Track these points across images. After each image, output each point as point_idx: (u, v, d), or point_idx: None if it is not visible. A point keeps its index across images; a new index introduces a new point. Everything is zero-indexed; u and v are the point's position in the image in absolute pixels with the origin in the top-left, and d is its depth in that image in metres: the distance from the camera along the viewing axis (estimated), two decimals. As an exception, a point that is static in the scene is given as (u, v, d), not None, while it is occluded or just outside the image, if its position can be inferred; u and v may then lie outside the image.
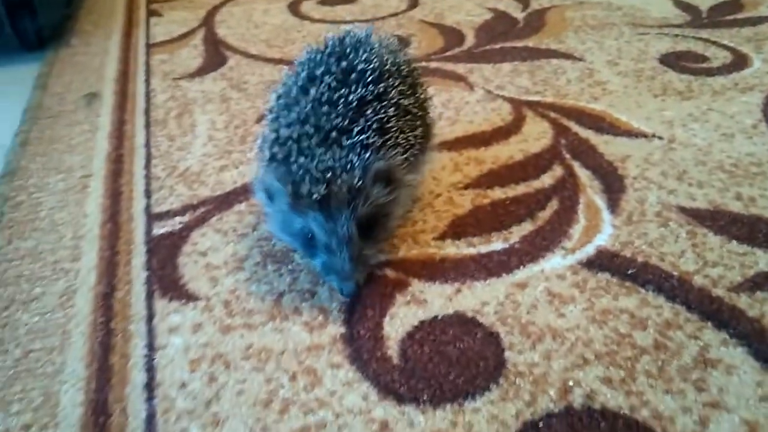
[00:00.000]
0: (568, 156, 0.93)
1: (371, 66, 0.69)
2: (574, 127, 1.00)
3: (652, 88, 1.12)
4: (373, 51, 0.72)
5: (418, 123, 0.73)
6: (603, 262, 0.72)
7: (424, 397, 0.57)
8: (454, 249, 0.75)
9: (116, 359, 0.62)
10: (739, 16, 1.43)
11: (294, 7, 1.62)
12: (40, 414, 0.57)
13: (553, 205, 0.83)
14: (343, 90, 0.67)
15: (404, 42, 1.35)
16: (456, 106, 1.08)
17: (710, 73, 1.17)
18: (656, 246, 0.75)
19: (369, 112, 0.66)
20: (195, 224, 0.81)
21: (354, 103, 0.66)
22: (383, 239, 0.71)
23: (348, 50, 0.71)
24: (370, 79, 0.68)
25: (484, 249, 0.75)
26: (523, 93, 1.12)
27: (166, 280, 0.72)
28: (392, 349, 0.62)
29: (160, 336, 0.64)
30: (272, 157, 0.66)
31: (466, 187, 0.87)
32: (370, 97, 0.67)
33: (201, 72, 1.26)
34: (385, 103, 0.68)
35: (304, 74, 0.70)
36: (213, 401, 0.57)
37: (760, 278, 0.69)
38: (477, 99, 1.11)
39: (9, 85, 1.27)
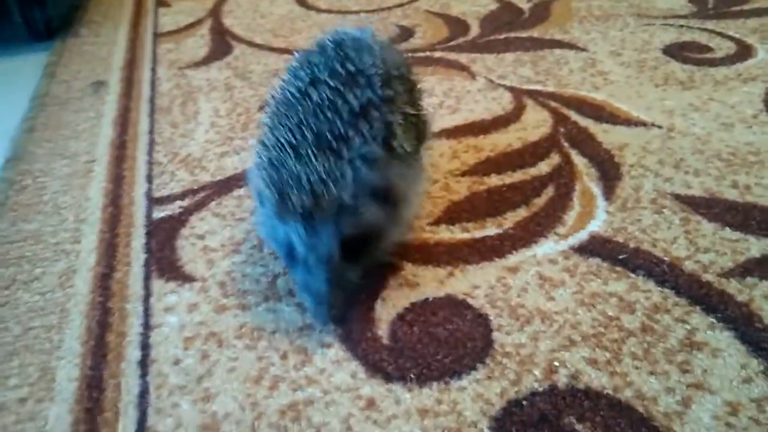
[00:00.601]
0: (566, 144, 0.93)
1: (379, 70, 0.65)
2: (574, 116, 1.01)
3: (654, 78, 1.12)
4: (377, 53, 0.68)
5: (419, 128, 0.70)
6: (595, 247, 0.73)
7: (411, 376, 0.58)
8: (448, 234, 0.76)
9: (112, 337, 0.64)
10: (746, 7, 1.42)
11: (300, -2, 1.63)
12: (36, 388, 0.59)
13: (549, 192, 0.83)
14: (349, 93, 0.62)
15: (408, 33, 1.35)
16: (457, 95, 1.09)
17: (713, 63, 1.17)
18: (649, 232, 0.75)
19: (375, 116, 0.62)
20: (194, 208, 0.83)
21: (358, 109, 0.61)
22: (373, 262, 0.66)
23: (351, 52, 0.67)
24: (378, 83, 0.64)
25: (478, 234, 0.76)
26: (524, 82, 1.13)
27: (163, 262, 0.73)
28: (382, 330, 0.63)
29: (156, 315, 0.66)
30: (269, 162, 0.61)
31: (463, 174, 0.88)
32: (378, 101, 0.63)
33: (206, 61, 1.28)
34: (393, 108, 0.64)
35: (307, 77, 0.65)
36: (205, 377, 0.59)
37: (751, 264, 0.70)
38: (478, 88, 1.11)
39: (18, 74, 1.29)
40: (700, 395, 0.56)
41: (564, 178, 0.86)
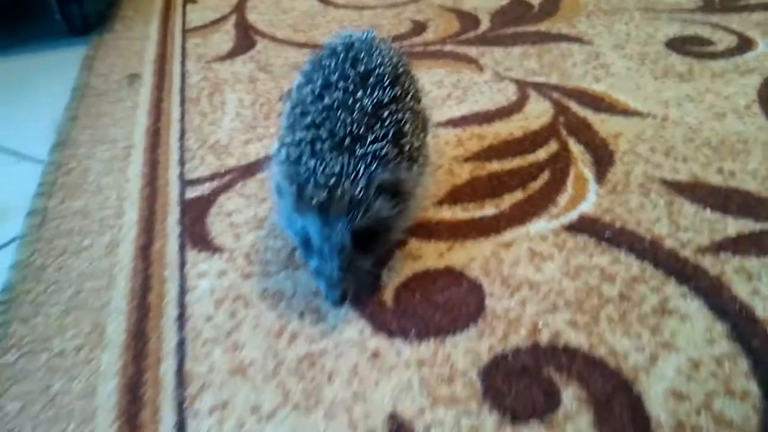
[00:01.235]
0: (564, 132, 1.00)
1: (387, 69, 0.70)
2: (574, 107, 1.07)
3: (654, 71, 1.18)
4: (385, 54, 0.73)
5: (423, 125, 0.75)
6: (583, 226, 0.80)
7: (412, 333, 0.66)
8: (449, 213, 0.84)
9: (153, 298, 0.73)
10: (752, 1, 1.47)
11: (321, -6, 1.71)
12: (90, 339, 0.68)
13: (545, 176, 0.91)
14: (359, 94, 0.67)
15: (420, 27, 1.43)
16: (464, 87, 1.16)
17: (713, 56, 1.22)
18: (635, 213, 0.82)
19: (386, 116, 0.66)
20: (222, 189, 0.91)
21: (370, 108, 0.66)
22: (381, 251, 0.71)
23: (361, 55, 0.72)
24: (387, 83, 0.68)
25: (477, 214, 0.84)
26: (529, 75, 1.20)
27: (196, 236, 0.82)
28: (387, 296, 0.71)
29: (191, 280, 0.75)
30: (286, 157, 0.66)
31: (466, 160, 0.95)
32: (387, 100, 0.67)
33: (231, 55, 1.36)
34: (401, 106, 0.68)
35: (321, 80, 0.70)
36: (233, 331, 0.68)
37: (727, 242, 0.76)
38: (485, 80, 1.18)
39: (59, 66, 1.39)
40: (667, 353, 0.63)
41: (560, 163, 0.93)
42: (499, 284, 0.72)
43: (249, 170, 0.95)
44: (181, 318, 0.70)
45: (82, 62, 1.37)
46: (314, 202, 0.62)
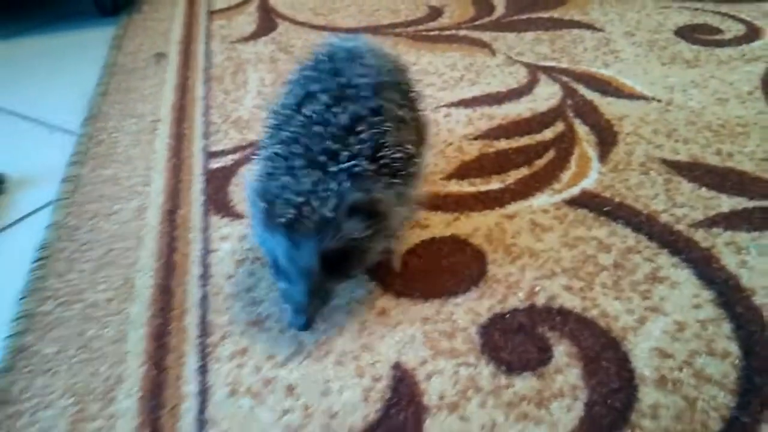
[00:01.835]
0: (571, 114, 1.04)
1: (366, 80, 0.67)
2: (582, 90, 1.11)
3: (662, 57, 1.21)
4: (368, 63, 0.70)
5: (414, 132, 0.71)
6: (584, 200, 0.85)
7: (417, 294, 0.71)
8: (457, 187, 0.89)
9: (179, 257, 0.79)
10: (763, -9, 1.49)
11: (341, -21, 1.75)
12: (120, 292, 0.74)
13: (550, 154, 0.95)
14: (337, 108, 0.63)
15: (437, 13, 1.47)
16: (477, 70, 1.21)
17: (720, 44, 1.26)
18: (634, 190, 0.86)
19: (362, 129, 0.62)
20: (243, 161, 0.97)
21: (347, 123, 0.62)
22: (355, 273, 0.68)
23: (342, 65, 0.69)
24: (365, 93, 0.65)
25: (483, 188, 0.88)
26: (540, 59, 1.23)
27: (218, 203, 0.88)
28: (396, 261, 0.76)
29: (213, 242, 0.81)
30: (265, 172, 0.64)
31: (475, 138, 1.00)
32: (365, 113, 0.64)
33: (254, 36, 1.42)
34: (382, 117, 0.64)
35: (301, 92, 0.67)
36: (252, 289, 0.73)
37: (719, 218, 0.80)
38: (497, 64, 1.23)
39: (89, 45, 1.45)
40: (655, 316, 0.67)
41: (565, 143, 0.97)
42: (501, 252, 0.77)
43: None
44: (204, 276, 0.75)
45: (111, 41, 1.43)
46: (282, 221, 0.58)
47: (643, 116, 1.03)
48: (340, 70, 0.68)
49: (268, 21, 1.49)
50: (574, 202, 0.85)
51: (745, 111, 1.02)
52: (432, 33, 1.37)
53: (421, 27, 1.42)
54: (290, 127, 0.64)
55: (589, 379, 0.61)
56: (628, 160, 0.92)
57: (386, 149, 0.63)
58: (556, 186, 0.88)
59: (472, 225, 0.82)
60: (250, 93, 1.17)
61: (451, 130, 1.02)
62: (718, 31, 1.31)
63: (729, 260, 0.73)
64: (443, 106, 1.09)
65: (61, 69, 1.37)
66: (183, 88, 1.20)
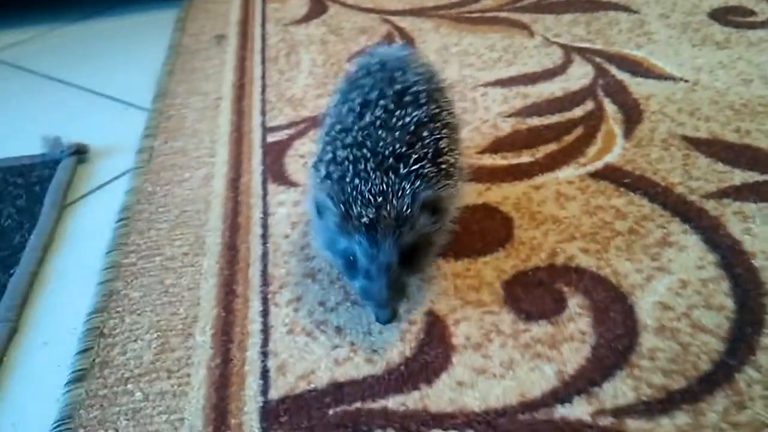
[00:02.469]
0: (601, 93, 1.12)
1: (423, 87, 0.72)
2: (613, 71, 1.18)
3: (693, 39, 1.26)
4: (418, 71, 0.75)
5: (456, 139, 0.76)
6: (607, 173, 0.93)
7: (450, 254, 0.81)
8: (490, 160, 0.98)
9: (242, 219, 0.90)
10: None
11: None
12: (193, 247, 0.86)
13: (578, 131, 1.03)
14: (399, 112, 0.68)
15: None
16: (515, 51, 1.28)
17: (753, 26, 1.30)
18: (654, 164, 0.93)
19: (425, 134, 0.67)
20: (297, 136, 1.07)
21: (411, 127, 0.67)
22: (424, 267, 0.72)
23: (397, 73, 0.74)
24: (423, 100, 0.70)
25: (514, 161, 0.97)
26: (576, 40, 1.30)
27: (275, 172, 0.99)
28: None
29: (272, 207, 0.92)
30: (327, 175, 0.67)
31: (509, 116, 1.08)
32: (426, 119, 0.68)
33: (306, 19, 1.52)
34: (438, 123, 0.70)
35: (360, 99, 0.71)
36: (306, 247, 0.84)
37: (731, 190, 0.87)
38: (534, 45, 1.30)
39: (154, 27, 1.57)
40: (662, 275, 0.76)
41: (594, 121, 1.05)
42: (527, 218, 0.86)
43: (320, 120, 1.11)
44: (264, 235, 0.87)
45: (175, 23, 1.55)
46: (362, 221, 0.62)
47: (670, 96, 1.09)
48: (394, 78, 0.73)
49: (319, 4, 1.59)
50: (597, 175, 0.92)
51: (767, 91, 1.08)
52: (474, 15, 1.45)
53: (464, 9, 1.49)
54: (354, 131, 0.68)
55: (598, 326, 0.70)
56: (651, 136, 0.99)
57: (443, 153, 0.68)
58: (582, 160, 0.96)
59: (502, 194, 0.90)
60: (302, 73, 1.27)
61: (487, 108, 1.10)
62: (752, 13, 1.35)
63: (735, 228, 0.81)
64: (480, 85, 1.17)
65: (130, 49, 1.50)
66: (242, 68, 1.31)
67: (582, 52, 1.25)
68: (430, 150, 0.67)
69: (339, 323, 0.73)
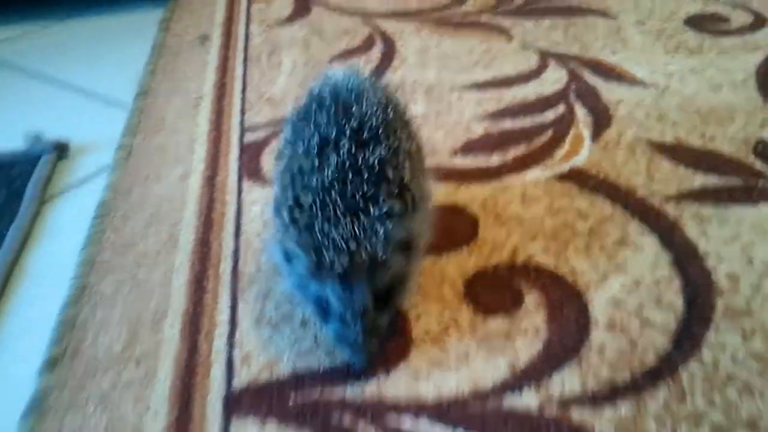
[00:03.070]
0: (573, 97, 1.14)
1: (381, 119, 0.69)
2: (587, 76, 1.21)
3: (667, 46, 1.29)
4: (374, 101, 0.71)
5: (421, 165, 0.76)
6: (572, 176, 0.95)
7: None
8: (461, 162, 1.00)
9: (216, 216, 0.92)
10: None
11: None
12: (167, 244, 0.88)
13: (548, 134, 1.05)
14: (363, 152, 0.65)
15: (460, 0, 1.56)
16: (492, 55, 1.31)
17: (726, 33, 1.33)
18: (618, 167, 0.96)
19: (390, 171, 0.65)
20: (274, 135, 1.10)
21: (376, 166, 0.65)
22: (401, 305, 0.72)
23: (351, 105, 0.70)
24: (383, 134, 0.68)
25: (483, 163, 1.00)
26: (553, 45, 1.33)
27: (251, 170, 1.01)
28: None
29: (245, 205, 0.94)
30: (293, 221, 0.64)
31: (483, 119, 1.11)
32: (388, 155, 0.66)
33: (289, 20, 1.54)
34: (400, 156, 0.68)
35: (315, 139, 0.68)
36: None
37: (691, 193, 0.90)
38: (512, 49, 1.33)
39: (139, 27, 1.59)
40: (617, 274, 0.78)
41: (564, 124, 1.07)
42: (492, 218, 0.88)
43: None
44: (237, 232, 0.89)
45: (159, 24, 1.57)
46: (335, 268, 0.61)
47: (639, 101, 1.12)
48: (349, 112, 0.69)
49: (302, 6, 1.61)
50: (563, 177, 0.95)
51: (735, 98, 1.11)
52: (454, 19, 1.48)
53: (446, 12, 1.52)
54: (317, 174, 0.65)
55: (551, 322, 0.73)
56: (617, 140, 1.02)
57: (409, 187, 0.67)
58: (549, 162, 0.98)
59: (471, 195, 0.93)
60: (283, 74, 1.30)
61: (461, 111, 1.13)
62: (726, 20, 1.38)
63: (691, 230, 0.84)
64: (456, 88, 1.20)
65: (115, 49, 1.52)
66: (224, 68, 1.33)
67: (557, 57, 1.28)
68: (396, 186, 0.65)
69: (304, 317, 0.76)
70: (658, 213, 0.87)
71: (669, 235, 0.83)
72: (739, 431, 0.61)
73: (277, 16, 1.57)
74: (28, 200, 0.98)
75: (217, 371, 0.70)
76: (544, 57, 1.28)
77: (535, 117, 1.10)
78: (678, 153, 0.98)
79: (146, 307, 0.79)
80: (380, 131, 0.68)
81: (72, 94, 1.33)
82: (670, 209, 0.87)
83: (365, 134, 0.67)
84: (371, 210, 0.62)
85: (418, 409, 0.64)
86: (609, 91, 1.15)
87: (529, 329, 0.72)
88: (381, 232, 0.61)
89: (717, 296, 0.75)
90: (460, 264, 0.81)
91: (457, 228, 0.87)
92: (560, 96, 1.15)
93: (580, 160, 0.99)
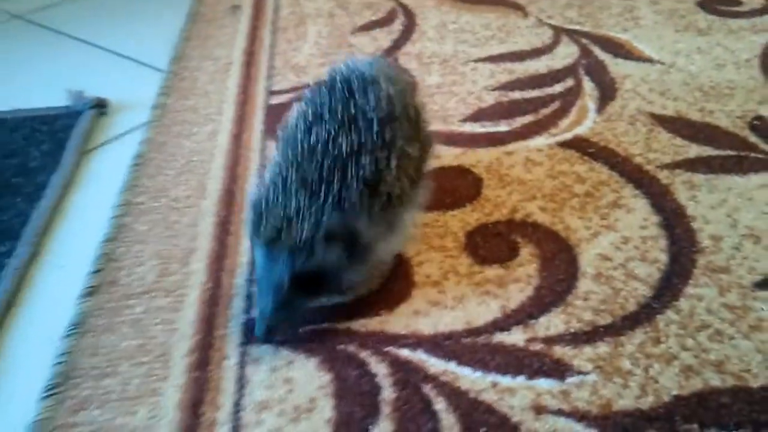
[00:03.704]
0: (582, 72, 1.20)
1: (377, 112, 0.68)
2: (597, 51, 1.26)
3: (677, 25, 1.34)
4: (380, 94, 0.71)
5: (415, 165, 0.74)
6: (574, 143, 1.01)
7: (423, 206, 0.90)
8: (470, 128, 1.07)
9: (240, 169, 1.00)
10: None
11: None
12: (196, 191, 0.96)
13: (555, 105, 1.11)
14: (340, 138, 0.65)
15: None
16: (508, 30, 1.36)
17: (736, 15, 1.37)
18: (618, 137, 1.02)
19: (365, 161, 0.65)
20: (298, 99, 1.16)
21: (347, 152, 0.65)
22: (324, 298, 0.72)
23: (357, 92, 0.70)
24: (376, 126, 0.67)
25: (491, 129, 1.06)
26: (567, 22, 1.38)
27: (274, 131, 1.08)
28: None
29: (267, 159, 1.02)
30: (262, 186, 0.68)
31: (494, 89, 1.17)
32: (370, 145, 0.66)
33: (317, -8, 1.61)
34: (390, 151, 0.67)
35: (312, 115, 0.69)
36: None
37: (684, 162, 0.96)
38: (527, 25, 1.38)
39: (175, -4, 1.67)
40: (607, 231, 0.85)
41: (571, 96, 1.13)
42: (495, 180, 0.95)
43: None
44: (260, 183, 0.97)
45: (193, -7, 1.65)
46: (263, 234, 0.63)
47: (645, 76, 1.17)
48: (353, 98, 0.70)
49: (330, -21, 1.67)
50: (565, 144, 1.01)
51: (738, 76, 1.15)
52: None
53: (466, -11, 1.57)
54: (296, 147, 0.67)
55: (543, 271, 0.79)
56: (620, 112, 1.08)
57: (386, 181, 0.66)
58: (554, 131, 1.05)
59: (477, 158, 1.00)
60: (308, 43, 1.37)
61: (474, 82, 1.19)
62: (738, 2, 1.41)
63: (682, 195, 0.89)
64: (472, 60, 1.26)
65: (152, 15, 1.60)
66: (253, 37, 1.40)
67: (570, 33, 1.33)
68: (367, 177, 0.65)
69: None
70: (652, 179, 0.93)
71: (660, 199, 0.89)
72: (707, 372, 0.67)
73: (304, -12, 1.63)
74: (71, 150, 1.07)
75: (237, 303, 0.78)
76: (558, 33, 1.34)
77: (545, 89, 1.16)
78: (677, 125, 1.04)
79: (176, 244, 0.87)
80: (374, 124, 0.67)
81: (112, 57, 1.41)
82: (664, 176, 0.93)
83: (358, 124, 0.67)
84: (323, 196, 0.63)
85: (416, 341, 0.72)
86: (616, 67, 1.20)
87: (522, 277, 0.79)
88: (314, 220, 0.62)
89: (699, 254, 0.80)
90: (463, 219, 0.88)
91: (462, 187, 0.94)
92: (570, 70, 1.21)
93: (584, 129, 1.05)
